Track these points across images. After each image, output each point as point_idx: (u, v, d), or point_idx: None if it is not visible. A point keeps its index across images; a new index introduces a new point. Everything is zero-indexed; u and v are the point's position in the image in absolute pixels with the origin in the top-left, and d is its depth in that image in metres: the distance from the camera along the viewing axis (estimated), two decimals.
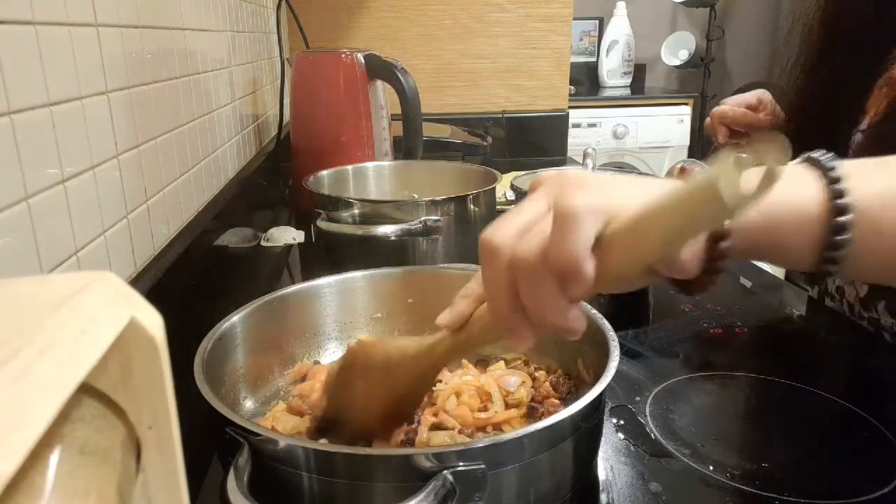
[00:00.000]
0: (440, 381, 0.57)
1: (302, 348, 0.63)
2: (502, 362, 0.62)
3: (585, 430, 0.47)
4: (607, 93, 3.04)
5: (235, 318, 0.56)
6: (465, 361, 0.62)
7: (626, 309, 0.87)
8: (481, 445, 0.40)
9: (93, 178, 0.50)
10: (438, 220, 0.83)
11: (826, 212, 0.37)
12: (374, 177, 1.08)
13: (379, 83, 1.20)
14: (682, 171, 0.48)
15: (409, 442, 0.49)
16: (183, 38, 0.76)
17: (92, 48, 0.51)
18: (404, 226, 0.81)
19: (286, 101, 1.30)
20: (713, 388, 0.64)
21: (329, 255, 0.90)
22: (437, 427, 0.51)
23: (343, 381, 0.49)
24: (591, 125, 2.77)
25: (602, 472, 0.51)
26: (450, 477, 0.38)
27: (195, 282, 0.68)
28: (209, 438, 0.45)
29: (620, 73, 3.17)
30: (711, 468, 0.51)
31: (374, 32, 1.66)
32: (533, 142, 1.74)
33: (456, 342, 0.43)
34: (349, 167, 1.06)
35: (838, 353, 0.70)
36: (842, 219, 0.37)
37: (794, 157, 0.39)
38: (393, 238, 0.82)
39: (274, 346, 0.61)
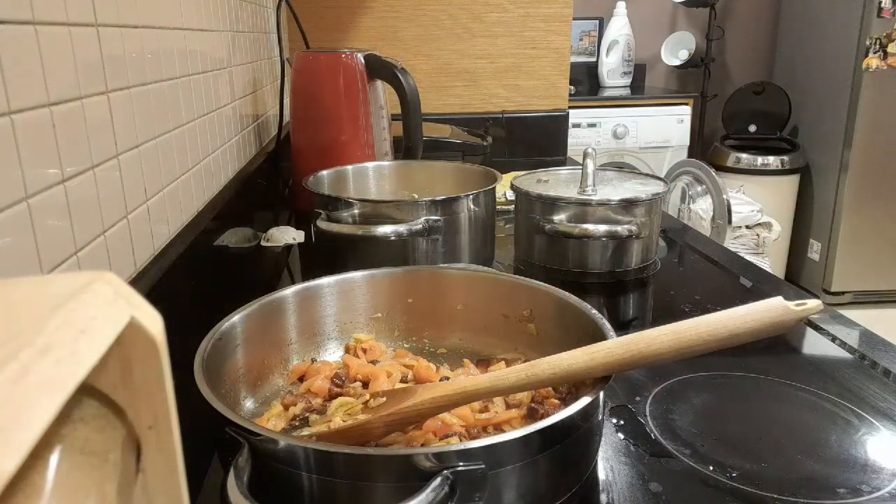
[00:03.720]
0: (446, 378, 0.57)
1: (301, 348, 0.63)
2: (503, 362, 0.62)
3: (585, 430, 0.47)
4: (607, 93, 3.04)
5: (235, 318, 0.56)
6: (466, 361, 0.62)
7: (627, 309, 0.87)
8: (481, 445, 0.40)
9: (93, 178, 0.50)
10: (438, 220, 0.83)
11: None
12: (374, 177, 1.08)
13: (379, 83, 1.20)
14: None
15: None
16: (183, 38, 0.76)
17: (92, 48, 0.51)
18: (404, 226, 0.81)
19: (286, 100, 1.30)
20: (713, 388, 0.64)
21: (329, 255, 0.90)
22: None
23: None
24: (591, 125, 2.77)
25: (602, 472, 0.51)
26: (450, 477, 0.38)
27: (195, 282, 0.68)
28: (209, 438, 0.45)
29: (620, 73, 3.17)
30: (711, 468, 0.51)
31: (374, 32, 1.66)
32: (533, 142, 1.74)
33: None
34: (349, 167, 1.06)
35: (838, 353, 0.70)
36: None
37: None
38: (393, 238, 0.82)
39: (274, 346, 0.61)
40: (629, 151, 2.82)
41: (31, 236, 0.41)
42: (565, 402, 0.54)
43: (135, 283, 0.56)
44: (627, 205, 0.87)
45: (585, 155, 0.92)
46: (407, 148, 1.18)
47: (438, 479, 0.38)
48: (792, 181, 3.09)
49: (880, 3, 2.69)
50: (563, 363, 0.47)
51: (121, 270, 0.55)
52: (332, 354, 0.65)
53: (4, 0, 0.39)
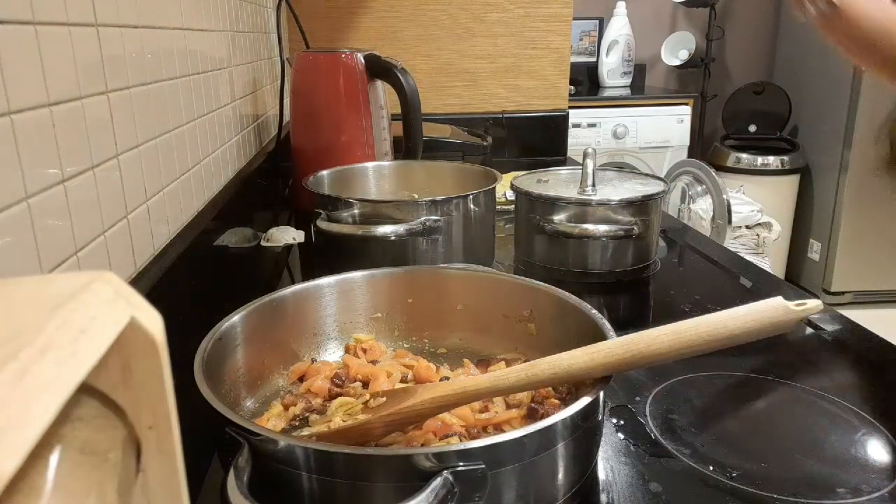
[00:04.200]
0: (446, 378, 0.57)
1: (302, 348, 0.63)
2: (503, 362, 0.62)
3: (585, 430, 0.47)
4: (607, 93, 3.04)
5: (235, 318, 0.56)
6: (466, 361, 0.62)
7: (627, 309, 0.87)
8: (481, 445, 0.40)
9: (93, 178, 0.50)
10: (438, 220, 0.83)
11: None
12: (374, 177, 1.08)
13: (379, 83, 1.20)
14: None
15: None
16: (183, 38, 0.76)
17: (92, 48, 0.51)
18: (404, 226, 0.81)
19: (286, 101, 1.30)
20: (713, 388, 0.64)
21: (329, 255, 0.90)
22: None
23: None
24: (591, 125, 2.77)
25: (602, 472, 0.51)
26: (450, 477, 0.38)
27: (195, 282, 0.68)
28: (209, 438, 0.45)
29: (620, 73, 3.17)
30: (711, 468, 0.51)
31: (374, 32, 1.66)
32: (533, 142, 1.74)
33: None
34: (349, 167, 1.06)
35: (838, 353, 0.70)
36: None
37: None
38: (393, 238, 0.82)
39: (274, 346, 0.61)
40: (629, 151, 2.82)
41: (31, 236, 0.41)
42: (565, 402, 0.54)
43: (135, 283, 0.56)
44: (627, 205, 0.87)
45: (585, 155, 0.92)
46: (407, 148, 1.18)
47: (438, 479, 0.38)
48: (792, 181, 3.09)
49: None
50: (563, 363, 0.47)
51: (121, 270, 0.55)
52: (332, 354, 0.65)
53: (4, 0, 0.39)
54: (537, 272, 0.91)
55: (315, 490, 0.41)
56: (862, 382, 0.64)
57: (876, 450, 0.53)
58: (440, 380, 0.58)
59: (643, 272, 0.91)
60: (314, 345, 0.64)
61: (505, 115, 1.73)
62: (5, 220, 0.38)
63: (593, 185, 0.90)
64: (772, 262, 2.69)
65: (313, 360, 0.63)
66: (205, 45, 0.86)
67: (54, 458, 0.17)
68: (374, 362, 0.61)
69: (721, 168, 2.95)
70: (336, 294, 0.65)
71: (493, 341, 0.65)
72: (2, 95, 0.38)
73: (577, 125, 2.65)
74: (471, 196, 0.86)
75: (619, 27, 3.13)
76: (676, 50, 3.28)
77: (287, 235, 1.05)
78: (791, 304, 0.45)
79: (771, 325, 0.45)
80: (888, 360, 0.67)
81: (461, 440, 0.49)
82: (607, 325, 0.53)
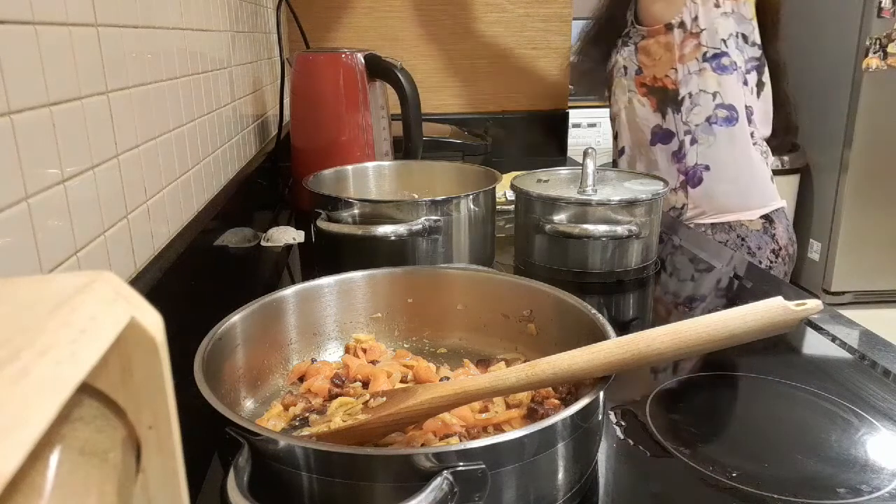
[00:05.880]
0: (446, 378, 0.57)
1: (302, 348, 0.63)
2: (503, 362, 0.62)
3: (585, 430, 0.47)
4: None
5: (235, 318, 0.56)
6: (466, 361, 0.62)
7: (627, 309, 0.87)
8: (481, 445, 0.40)
9: (93, 178, 0.50)
10: (438, 220, 0.83)
11: None
12: (374, 177, 1.08)
13: (379, 83, 1.20)
14: None
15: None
16: (183, 38, 0.76)
17: (92, 48, 0.51)
18: (404, 226, 0.81)
19: (286, 100, 1.30)
20: (713, 388, 0.64)
21: (329, 255, 0.90)
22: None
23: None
24: (591, 125, 2.77)
25: (602, 472, 0.51)
26: (450, 477, 0.38)
27: (195, 282, 0.68)
28: (209, 438, 0.45)
29: None
30: (711, 468, 0.51)
31: (374, 32, 1.66)
32: (533, 142, 1.74)
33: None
34: (349, 167, 1.06)
35: (838, 353, 0.70)
36: None
37: None
38: (393, 238, 0.82)
39: (274, 346, 0.61)
40: None
41: (31, 236, 0.41)
42: (565, 402, 0.54)
43: (135, 283, 0.56)
44: (627, 205, 0.87)
45: (585, 155, 0.92)
46: (407, 148, 1.18)
47: (438, 479, 0.38)
48: (792, 181, 3.09)
49: (880, 3, 2.69)
50: (563, 363, 0.47)
51: (121, 270, 0.55)
52: (332, 354, 0.65)
53: (4, 0, 0.39)
54: (537, 272, 0.91)
55: (315, 490, 0.41)
56: (862, 383, 0.64)
57: (876, 450, 0.53)
58: (440, 380, 0.58)
59: (643, 272, 0.91)
60: (314, 345, 0.64)
61: (505, 115, 1.73)
62: (5, 220, 0.38)
63: (593, 185, 0.90)
64: None
65: (313, 360, 0.63)
66: (205, 45, 0.86)
67: (54, 458, 0.17)
68: (374, 362, 0.61)
69: None
70: (336, 294, 0.65)
71: (493, 341, 0.65)
72: (2, 95, 0.38)
73: (577, 125, 2.65)
74: (471, 196, 0.86)
75: None
76: None
77: (287, 235, 1.05)
78: (791, 304, 0.45)
79: (771, 325, 0.45)
80: (887, 361, 0.67)
81: (461, 440, 0.49)
82: (607, 325, 0.53)
